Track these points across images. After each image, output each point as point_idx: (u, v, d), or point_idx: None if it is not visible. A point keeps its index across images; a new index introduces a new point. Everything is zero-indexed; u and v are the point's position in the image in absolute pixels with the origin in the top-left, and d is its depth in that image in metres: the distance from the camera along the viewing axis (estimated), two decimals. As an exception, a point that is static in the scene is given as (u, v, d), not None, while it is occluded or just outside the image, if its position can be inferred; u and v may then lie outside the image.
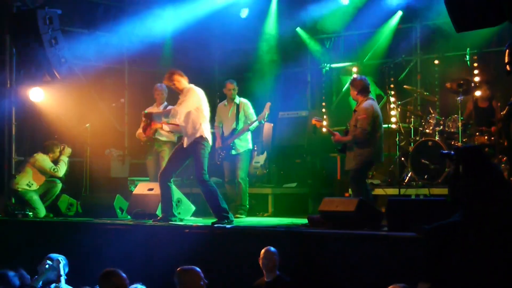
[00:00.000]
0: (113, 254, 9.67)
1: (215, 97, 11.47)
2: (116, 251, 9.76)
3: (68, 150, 12.29)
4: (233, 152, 11.71)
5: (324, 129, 10.59)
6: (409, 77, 14.11)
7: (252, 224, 10.26)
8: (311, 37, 15.31)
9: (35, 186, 11.97)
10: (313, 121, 10.47)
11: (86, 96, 13.74)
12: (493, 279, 6.76)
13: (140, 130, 11.96)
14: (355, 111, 10.07)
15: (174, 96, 11.29)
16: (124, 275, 6.43)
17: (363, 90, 10.05)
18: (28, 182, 11.93)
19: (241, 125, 11.76)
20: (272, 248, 7.85)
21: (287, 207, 13.07)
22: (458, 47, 12.87)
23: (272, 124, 13.88)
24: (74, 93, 13.23)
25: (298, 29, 15.18)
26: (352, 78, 10.49)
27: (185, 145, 10.05)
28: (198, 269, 6.94)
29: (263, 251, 7.84)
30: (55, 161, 12.14)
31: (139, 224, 10.24)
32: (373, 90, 13.74)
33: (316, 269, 8.07)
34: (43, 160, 12.05)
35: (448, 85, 12.01)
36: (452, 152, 7.55)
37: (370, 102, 9.99)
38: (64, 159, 12.21)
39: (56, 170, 12.02)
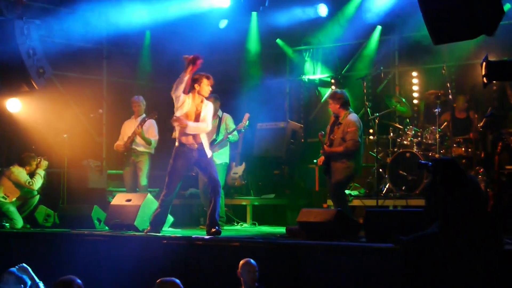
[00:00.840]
0: (90, 265, 9.63)
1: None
2: (93, 262, 9.73)
3: (44, 163, 12.22)
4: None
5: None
6: (387, 88, 14.18)
7: (230, 235, 10.25)
8: (290, 49, 15.35)
9: (10, 198, 11.89)
10: (320, 136, 10.41)
11: (64, 106, 13.70)
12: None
13: (119, 142, 12.00)
14: (339, 123, 10.13)
15: (151, 108, 11.33)
16: (79, 281, 6.38)
17: (345, 104, 10.20)
18: (3, 195, 11.86)
19: (220, 138, 11.79)
20: (252, 260, 7.84)
21: (266, 217, 13.08)
22: (436, 59, 12.96)
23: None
24: (52, 104, 13.19)
25: (278, 41, 15.21)
26: (332, 92, 10.57)
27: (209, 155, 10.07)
28: (177, 280, 6.94)
29: (242, 262, 7.82)
30: (32, 174, 12.07)
31: (116, 235, 10.20)
32: (351, 102, 13.88)
33: (294, 280, 8.07)
34: (19, 173, 11.98)
35: (425, 96, 12.10)
36: (430, 163, 7.59)
37: (355, 115, 10.22)
38: (40, 172, 12.13)
39: (31, 183, 11.95)
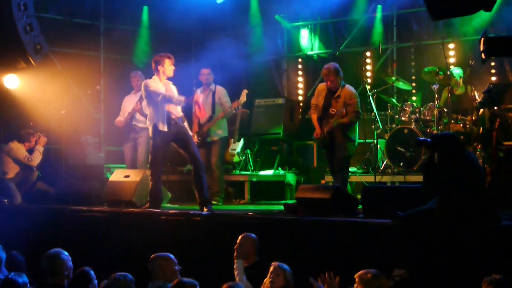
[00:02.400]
0: (89, 241, 9.67)
1: (192, 84, 11.46)
2: (92, 238, 9.76)
3: (43, 139, 12.22)
4: (209, 139, 11.71)
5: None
6: (385, 65, 14.16)
7: (228, 211, 10.26)
8: (288, 24, 15.30)
9: (9, 175, 11.90)
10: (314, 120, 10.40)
11: (61, 83, 13.67)
12: (465, 264, 6.83)
13: (119, 118, 12.00)
14: (338, 96, 10.07)
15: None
16: (66, 254, 6.48)
17: (342, 77, 10.15)
18: (2, 170, 11.87)
19: (217, 113, 11.76)
20: (251, 234, 7.86)
21: (264, 194, 13.10)
22: (434, 35, 12.94)
23: (248, 111, 13.89)
24: (49, 80, 13.17)
25: (277, 16, 15.16)
26: (335, 68, 10.30)
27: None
28: (171, 255, 6.98)
29: (241, 236, 7.85)
30: (31, 150, 12.06)
31: (115, 211, 10.22)
32: (350, 78, 13.86)
33: (292, 256, 8.10)
34: (18, 149, 11.98)
35: (424, 73, 12.08)
36: (429, 140, 7.59)
37: (351, 86, 10.21)
38: (39, 148, 12.13)
39: (30, 159, 11.95)
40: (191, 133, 10.24)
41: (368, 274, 6.08)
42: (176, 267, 6.98)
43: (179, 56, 11.17)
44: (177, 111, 9.95)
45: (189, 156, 9.99)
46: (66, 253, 6.99)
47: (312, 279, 6.36)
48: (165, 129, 9.81)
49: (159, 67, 9.90)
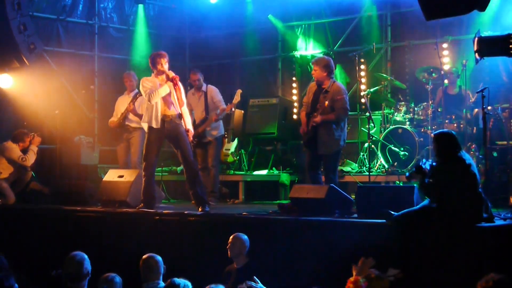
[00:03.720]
0: (83, 241, 9.65)
1: (186, 85, 11.49)
2: (86, 238, 9.74)
3: (37, 139, 12.19)
4: (204, 140, 11.71)
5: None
6: (379, 65, 14.15)
7: (222, 211, 10.26)
8: (282, 24, 15.29)
9: (3, 175, 11.87)
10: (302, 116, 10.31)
11: (55, 83, 13.64)
12: (459, 263, 6.85)
13: (113, 119, 11.99)
14: (326, 91, 9.93)
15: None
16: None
17: (332, 72, 10.04)
18: (-4, 171, 11.87)
19: (210, 113, 11.77)
20: (242, 235, 7.87)
21: (258, 194, 13.09)
22: (428, 35, 12.94)
23: (242, 111, 13.90)
24: (43, 80, 13.15)
25: (270, 16, 15.15)
26: (319, 58, 10.31)
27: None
28: (158, 257, 7.01)
29: (231, 237, 7.86)
30: (25, 150, 12.03)
31: (109, 211, 10.21)
32: (344, 78, 13.86)
33: (285, 256, 8.10)
34: (12, 149, 11.95)
35: (418, 72, 12.08)
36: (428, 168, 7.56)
37: (340, 83, 10.10)
38: (34, 148, 12.10)
39: (24, 159, 11.92)
40: (192, 131, 10.17)
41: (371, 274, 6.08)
42: (161, 269, 7.01)
43: (173, 55, 11.15)
44: (173, 108, 9.93)
45: (180, 155, 10.01)
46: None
47: None
48: (157, 125, 9.84)
49: (159, 66, 9.95)
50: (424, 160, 7.84)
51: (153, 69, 10.04)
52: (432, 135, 7.64)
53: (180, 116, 9.94)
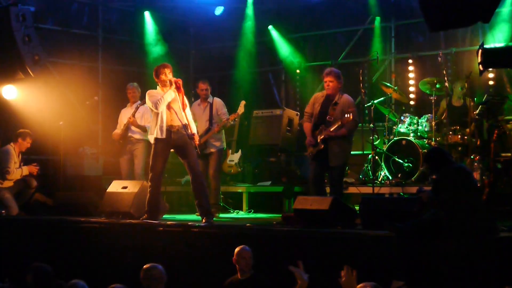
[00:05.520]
0: (87, 252, 9.65)
1: (190, 96, 11.49)
2: (89, 249, 9.74)
3: (34, 169, 12.07)
4: (206, 151, 11.69)
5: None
6: (383, 76, 14.16)
7: (226, 223, 10.25)
8: (285, 36, 15.31)
9: (7, 183, 11.85)
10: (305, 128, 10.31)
11: (59, 94, 13.64)
12: (464, 276, 6.82)
13: (116, 131, 11.99)
14: (336, 103, 9.94)
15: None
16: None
17: (341, 83, 10.06)
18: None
19: (214, 125, 11.77)
20: (246, 247, 7.85)
21: (262, 205, 13.08)
22: (432, 46, 12.96)
23: (246, 122, 13.90)
24: (47, 91, 13.14)
25: (271, 28, 15.18)
26: (337, 71, 10.28)
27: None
28: (160, 266, 7.00)
29: (237, 249, 7.83)
30: (22, 160, 12.03)
31: (112, 222, 10.20)
32: (348, 88, 13.85)
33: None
34: (4, 153, 11.94)
35: (422, 84, 12.08)
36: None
37: (348, 95, 10.05)
38: (25, 170, 12.02)
39: (7, 171, 11.85)
40: (197, 135, 10.18)
41: (366, 287, 6.05)
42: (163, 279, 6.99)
43: (177, 67, 11.17)
44: (180, 119, 9.92)
45: (187, 166, 10.02)
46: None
47: (292, 267, 6.31)
48: (162, 136, 9.85)
49: (163, 77, 9.97)
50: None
51: (157, 81, 10.05)
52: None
53: (186, 127, 9.94)
